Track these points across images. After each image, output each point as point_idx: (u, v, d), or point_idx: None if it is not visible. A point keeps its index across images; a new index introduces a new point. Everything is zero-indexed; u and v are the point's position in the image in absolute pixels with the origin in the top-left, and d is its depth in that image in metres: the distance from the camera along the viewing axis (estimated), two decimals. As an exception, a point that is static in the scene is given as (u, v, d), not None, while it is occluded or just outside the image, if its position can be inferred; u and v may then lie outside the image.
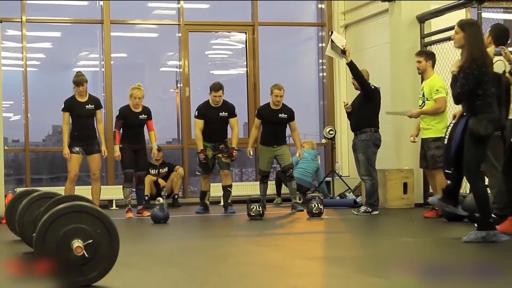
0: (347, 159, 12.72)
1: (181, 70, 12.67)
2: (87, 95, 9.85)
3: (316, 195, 9.29)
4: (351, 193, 11.45)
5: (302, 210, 9.72)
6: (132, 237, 7.50)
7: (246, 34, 12.99)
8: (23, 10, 11.87)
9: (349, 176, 12.31)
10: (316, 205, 8.94)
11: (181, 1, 12.60)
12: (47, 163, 13.10)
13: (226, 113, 10.18)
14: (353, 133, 9.67)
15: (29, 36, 12.07)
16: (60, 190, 8.66)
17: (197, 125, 10.21)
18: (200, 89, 12.36)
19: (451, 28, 7.64)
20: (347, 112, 9.77)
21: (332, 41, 9.48)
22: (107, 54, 12.25)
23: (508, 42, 7.28)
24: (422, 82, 9.31)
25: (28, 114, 11.91)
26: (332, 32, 9.91)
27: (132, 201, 10.06)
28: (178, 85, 12.84)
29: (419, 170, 9.81)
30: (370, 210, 9.34)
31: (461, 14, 9.83)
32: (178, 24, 12.64)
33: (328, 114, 13.22)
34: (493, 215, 7.02)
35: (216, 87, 10.11)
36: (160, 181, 11.67)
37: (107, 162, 11.75)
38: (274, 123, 10.22)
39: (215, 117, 10.12)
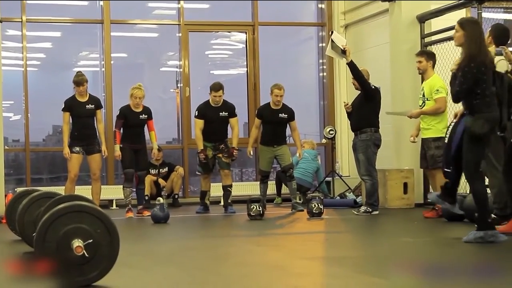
0: (347, 159, 12.72)
1: (181, 70, 12.67)
2: (87, 95, 9.85)
3: (316, 195, 9.29)
4: (351, 193, 11.45)
5: (302, 210, 9.72)
6: (132, 237, 7.50)
7: (246, 34, 12.99)
8: (23, 10, 11.88)
9: (349, 176, 12.32)
10: (316, 205, 8.94)
11: (181, 1, 12.60)
12: (47, 163, 13.11)
13: (226, 113, 10.18)
14: (353, 133, 9.67)
15: (29, 36, 12.08)
16: (60, 190, 8.66)
17: (197, 125, 10.21)
18: (200, 89, 12.36)
19: (451, 28, 7.65)
20: (347, 112, 9.77)
21: (332, 41, 9.48)
22: (107, 54, 12.26)
23: (509, 42, 7.27)
24: (422, 82, 9.31)
25: (28, 114, 11.92)
26: (332, 32, 9.91)
27: (132, 201, 10.06)
28: (178, 85, 12.85)
29: (419, 170, 9.81)
30: (370, 210, 9.34)
31: (461, 14, 9.83)
32: (178, 24, 12.65)
33: (328, 114, 13.23)
34: (493, 215, 7.04)
35: (216, 87, 10.11)
36: (160, 181, 11.67)
37: (107, 162, 11.76)
38: (274, 123, 10.22)
39: (215, 117, 10.12)
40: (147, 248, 6.75)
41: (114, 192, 11.46)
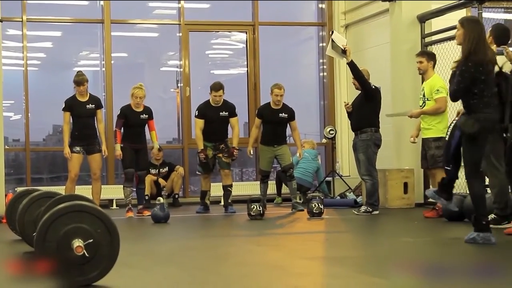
0: (347, 159, 12.72)
1: (181, 69, 12.67)
2: (88, 94, 9.85)
3: (316, 195, 9.29)
4: (352, 193, 11.45)
5: (303, 210, 9.72)
6: (133, 237, 7.50)
7: (246, 34, 12.99)
8: (23, 9, 11.88)
9: (349, 176, 12.32)
10: (317, 205, 8.94)
11: (181, 1, 12.60)
12: (47, 163, 13.11)
13: (227, 113, 10.17)
14: (353, 133, 9.67)
15: (30, 36, 12.08)
16: (60, 189, 8.66)
17: (198, 124, 10.21)
18: (201, 89, 12.37)
19: (452, 28, 7.68)
20: (347, 112, 9.77)
21: (332, 40, 9.48)
22: (108, 54, 12.26)
23: (509, 42, 7.26)
24: (422, 82, 9.31)
25: (29, 114, 11.92)
26: (332, 32, 9.90)
27: (132, 200, 10.06)
28: (179, 84, 12.85)
29: (420, 170, 9.82)
30: (371, 210, 9.34)
31: (461, 14, 9.81)
32: (178, 24, 12.65)
33: (328, 114, 13.23)
34: (493, 215, 7.04)
35: (217, 87, 10.11)
36: (161, 180, 11.67)
37: (107, 161, 11.76)
38: (275, 122, 10.22)
39: (215, 117, 10.12)
40: (147, 248, 6.75)
41: (114, 192, 11.47)
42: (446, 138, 6.62)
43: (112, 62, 12.33)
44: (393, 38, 11.06)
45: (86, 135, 9.76)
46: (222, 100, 10.14)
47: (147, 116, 9.98)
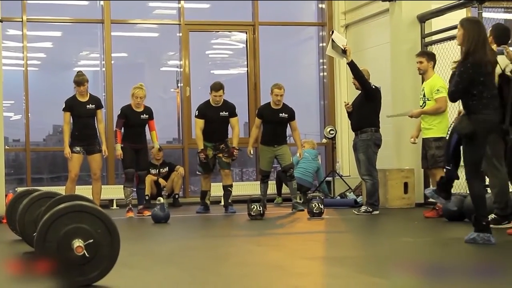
0: (347, 159, 12.72)
1: (181, 69, 12.68)
2: (88, 94, 9.85)
3: (316, 195, 9.29)
4: (352, 193, 11.45)
5: (303, 210, 9.72)
6: (133, 237, 7.50)
7: (246, 33, 12.99)
8: (23, 9, 11.88)
9: (349, 176, 12.32)
10: (317, 205, 8.94)
11: (181, 1, 12.61)
12: (47, 163, 13.11)
13: (227, 113, 10.17)
14: (353, 132, 9.67)
15: (30, 36, 12.08)
16: (60, 189, 8.66)
17: (198, 124, 10.21)
18: (201, 89, 12.37)
19: (452, 28, 7.68)
20: (347, 112, 9.77)
21: (332, 40, 9.47)
22: (108, 54, 12.26)
23: (510, 42, 7.26)
24: (422, 82, 9.31)
25: (29, 114, 11.92)
26: (332, 32, 9.90)
27: (132, 200, 10.06)
28: (179, 84, 12.85)
29: (420, 170, 9.81)
30: (371, 210, 9.34)
31: (462, 14, 9.83)
32: (178, 24, 12.65)
33: (328, 113, 13.23)
34: (494, 215, 7.04)
35: (217, 87, 10.11)
36: (161, 180, 11.67)
37: (107, 161, 11.76)
38: (275, 122, 10.22)
39: (215, 117, 10.12)
40: (147, 248, 6.75)
41: (114, 192, 11.47)
42: (447, 138, 6.62)
43: (112, 62, 12.33)
44: (393, 38, 11.06)
45: (86, 135, 9.76)
46: (222, 100, 10.14)
47: (147, 116, 9.98)
